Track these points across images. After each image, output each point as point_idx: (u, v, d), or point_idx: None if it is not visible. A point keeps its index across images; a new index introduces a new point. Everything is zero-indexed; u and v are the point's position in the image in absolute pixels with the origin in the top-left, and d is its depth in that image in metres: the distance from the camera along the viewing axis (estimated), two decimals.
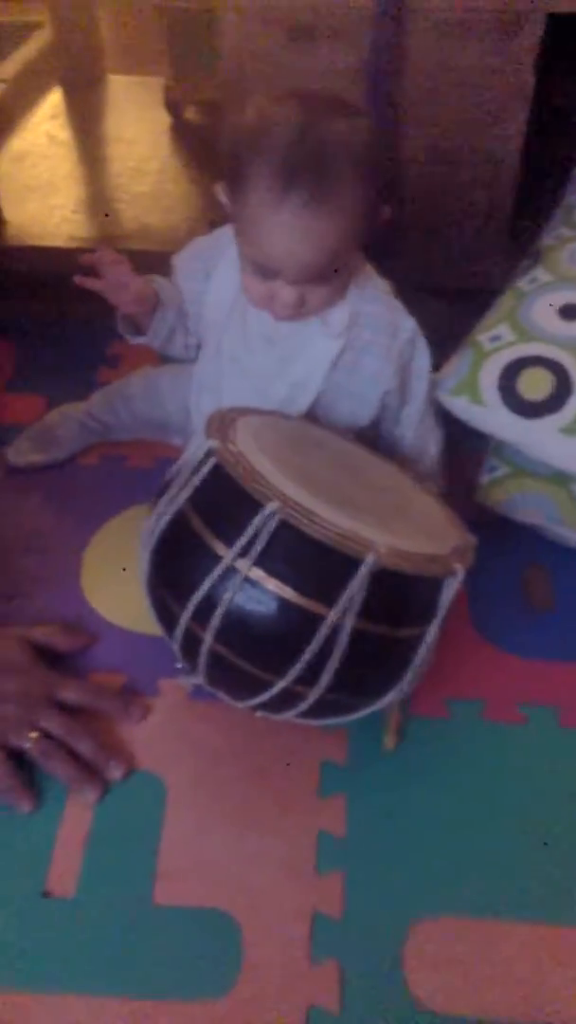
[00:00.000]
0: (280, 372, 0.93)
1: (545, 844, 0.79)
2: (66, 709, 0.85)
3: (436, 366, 0.99)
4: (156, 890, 0.75)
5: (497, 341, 1.01)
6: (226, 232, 0.94)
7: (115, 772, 0.82)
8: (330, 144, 0.79)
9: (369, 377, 0.93)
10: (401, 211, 1.29)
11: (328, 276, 0.85)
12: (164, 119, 1.89)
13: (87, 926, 0.73)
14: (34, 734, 0.82)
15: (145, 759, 0.84)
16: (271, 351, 0.93)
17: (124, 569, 1.01)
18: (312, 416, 0.95)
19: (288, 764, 0.84)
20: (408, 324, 0.93)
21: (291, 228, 0.80)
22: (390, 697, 0.76)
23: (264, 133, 0.80)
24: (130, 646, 0.94)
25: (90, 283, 0.89)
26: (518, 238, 1.24)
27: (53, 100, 1.97)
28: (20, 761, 0.82)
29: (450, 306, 1.00)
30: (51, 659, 0.90)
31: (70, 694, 0.86)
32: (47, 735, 0.82)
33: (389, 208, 0.87)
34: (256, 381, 0.94)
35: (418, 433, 0.98)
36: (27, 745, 0.82)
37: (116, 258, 0.88)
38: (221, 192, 0.87)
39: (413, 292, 0.94)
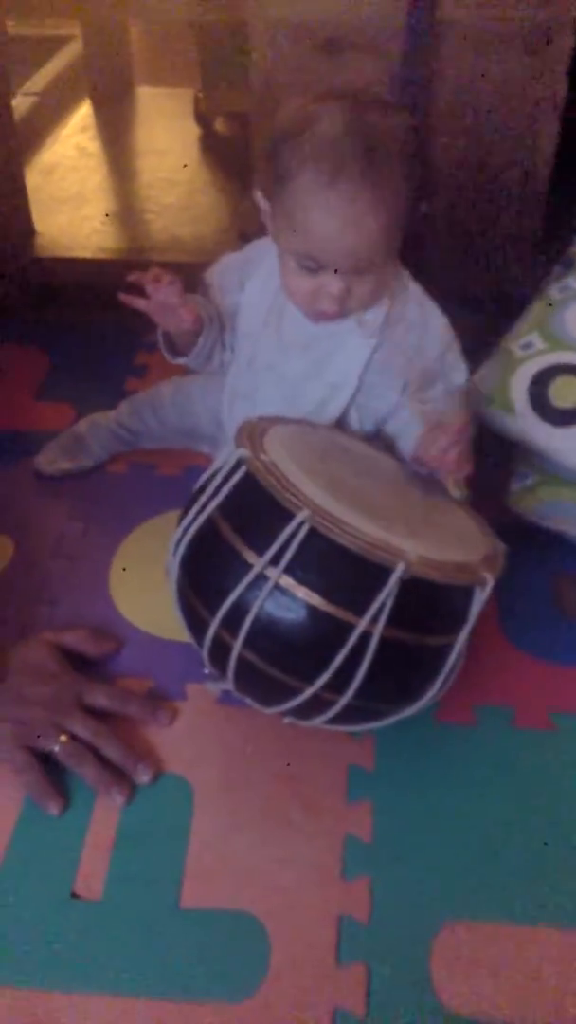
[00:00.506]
0: (315, 375, 0.94)
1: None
2: (94, 713, 0.85)
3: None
4: (183, 893, 0.76)
5: (528, 349, 1.01)
6: (257, 245, 0.96)
7: (143, 775, 0.83)
8: (376, 133, 0.80)
9: (399, 375, 0.94)
10: (432, 219, 1.30)
11: (374, 267, 0.85)
12: (194, 130, 1.91)
13: (114, 928, 0.74)
14: (63, 737, 0.83)
15: (173, 763, 0.85)
16: (306, 356, 0.93)
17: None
18: (346, 419, 0.95)
19: (315, 769, 0.84)
20: (437, 322, 0.94)
21: (341, 214, 0.81)
22: (420, 705, 0.77)
23: (309, 126, 0.81)
24: (157, 651, 0.95)
25: (135, 303, 0.87)
26: (549, 246, 1.24)
27: (83, 112, 1.99)
28: (49, 764, 0.83)
29: (480, 314, 1.00)
30: (79, 664, 0.91)
31: (98, 698, 0.87)
32: (75, 738, 0.83)
33: (426, 204, 0.88)
34: (290, 387, 0.95)
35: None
36: (55, 748, 0.82)
37: (169, 279, 0.86)
38: (259, 197, 0.88)
39: (442, 300, 0.95)
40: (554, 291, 1.06)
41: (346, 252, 0.83)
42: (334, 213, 0.81)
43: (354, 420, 0.96)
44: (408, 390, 0.95)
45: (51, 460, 1.17)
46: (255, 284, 0.95)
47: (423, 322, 0.93)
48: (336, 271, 0.85)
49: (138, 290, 0.86)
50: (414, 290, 0.94)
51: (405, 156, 0.82)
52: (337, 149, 0.79)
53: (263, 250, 0.94)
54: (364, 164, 0.79)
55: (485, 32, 1.18)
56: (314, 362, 0.94)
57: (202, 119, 1.91)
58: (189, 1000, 0.70)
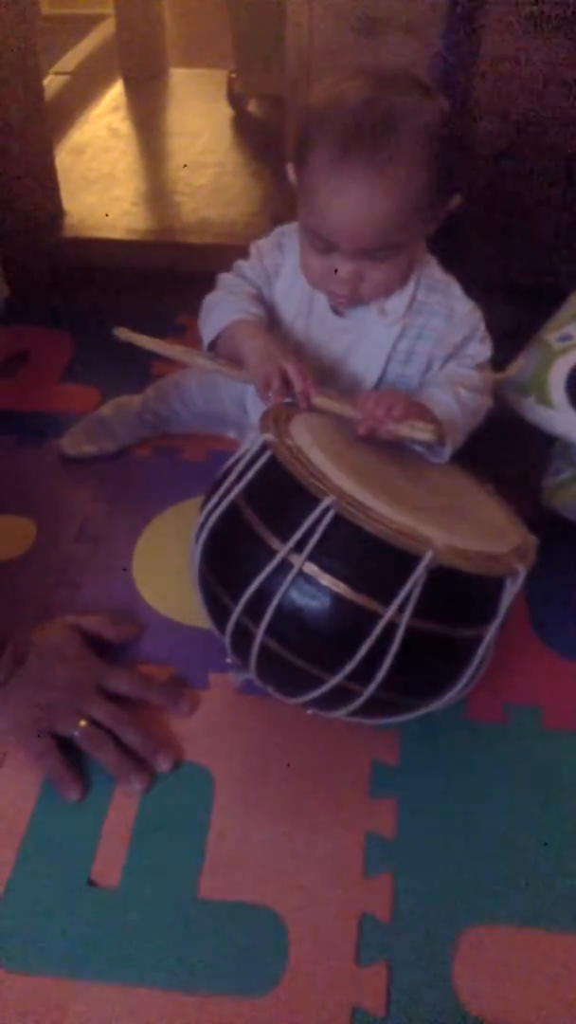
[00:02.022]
0: (339, 367, 0.92)
1: None
2: (114, 699, 0.85)
3: (503, 365, 0.97)
4: (201, 883, 0.75)
5: (567, 340, 0.99)
6: (286, 232, 0.94)
7: (163, 763, 0.82)
8: (395, 113, 0.78)
9: (423, 363, 0.92)
10: (473, 208, 1.28)
11: (385, 253, 0.83)
12: (226, 112, 1.89)
13: (131, 916, 0.73)
14: (82, 722, 0.82)
15: (193, 752, 0.84)
16: (330, 349, 0.92)
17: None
18: None
19: (338, 763, 0.83)
20: (462, 307, 0.91)
21: (347, 192, 0.79)
22: (447, 699, 0.75)
23: (334, 102, 0.80)
24: (179, 638, 0.94)
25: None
26: None
27: (115, 92, 1.98)
28: (68, 749, 0.82)
29: (521, 305, 0.97)
30: (100, 649, 0.90)
31: (119, 684, 0.86)
32: (95, 723, 0.82)
33: (460, 197, 0.85)
34: (314, 379, 0.93)
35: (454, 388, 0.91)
36: (75, 733, 0.82)
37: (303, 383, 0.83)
38: (290, 170, 0.87)
39: (483, 291, 0.92)
40: None
41: (351, 232, 0.81)
42: (341, 191, 0.79)
43: None
44: (429, 373, 0.92)
45: (75, 443, 1.17)
46: (286, 276, 0.94)
47: (448, 310, 0.91)
48: (347, 253, 0.83)
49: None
50: (440, 278, 0.92)
51: (431, 141, 0.79)
52: (351, 125, 0.78)
53: (293, 239, 0.92)
54: (375, 144, 0.77)
55: (529, 14, 1.15)
56: (338, 355, 0.92)
57: (235, 100, 1.89)
58: (205, 992, 0.69)
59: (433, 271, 0.92)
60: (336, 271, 0.85)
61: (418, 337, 0.91)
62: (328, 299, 0.91)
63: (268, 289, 0.94)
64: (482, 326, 0.92)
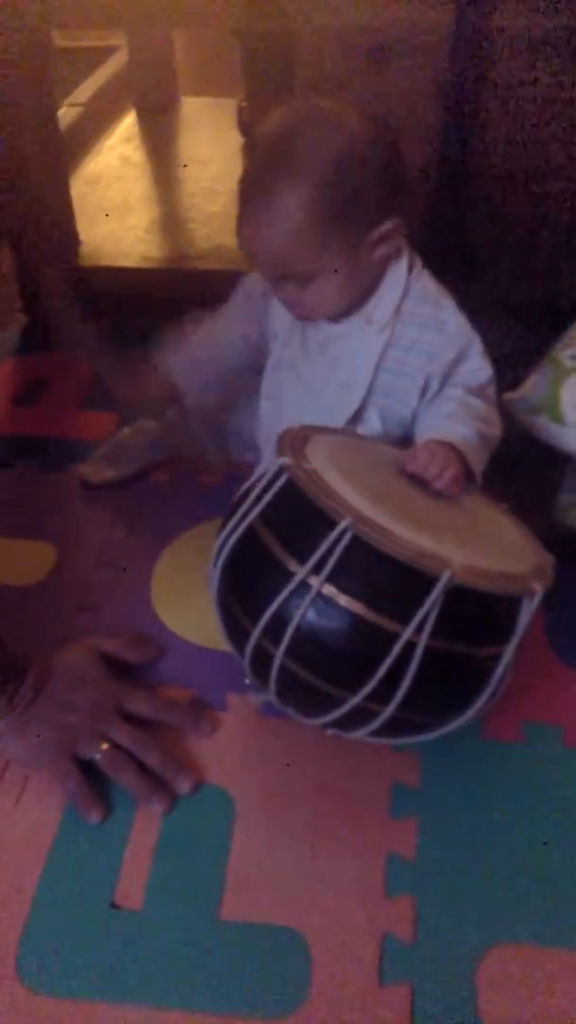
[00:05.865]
0: (331, 376, 0.94)
1: None
2: (135, 721, 0.85)
3: (514, 384, 0.97)
4: (223, 905, 0.75)
5: None
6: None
7: (183, 785, 0.82)
8: (289, 152, 0.82)
9: (419, 378, 0.92)
10: (482, 229, 1.29)
11: (303, 277, 0.87)
12: (237, 139, 1.91)
13: (154, 938, 0.73)
14: (104, 745, 0.83)
15: (213, 773, 0.84)
16: (323, 357, 0.94)
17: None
18: (367, 422, 0.94)
19: (359, 784, 0.83)
20: (453, 320, 0.92)
21: (243, 226, 0.86)
22: (466, 717, 0.75)
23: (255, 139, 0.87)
24: (199, 660, 0.94)
25: None
26: None
27: (128, 123, 2.01)
28: (90, 771, 0.82)
29: (532, 325, 0.98)
30: (120, 671, 0.91)
31: (139, 706, 0.86)
32: (116, 746, 0.83)
33: (396, 221, 0.87)
34: (308, 388, 0.95)
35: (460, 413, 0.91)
36: (97, 756, 0.82)
37: None
38: None
39: (492, 311, 0.93)
40: None
41: (255, 261, 0.88)
42: (241, 225, 0.86)
43: (375, 423, 0.94)
44: (429, 393, 0.93)
45: (97, 471, 1.18)
46: None
47: (438, 321, 0.92)
48: (267, 278, 0.89)
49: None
50: (431, 289, 0.93)
51: (330, 173, 0.82)
52: (249, 165, 0.85)
53: None
54: (261, 183, 0.84)
55: (535, 38, 1.17)
56: (330, 362, 0.94)
57: (245, 128, 1.91)
58: (229, 1014, 0.69)
59: (425, 283, 0.93)
60: None
61: (409, 349, 0.92)
62: None
63: (264, 318, 1.00)
64: (477, 341, 0.92)
